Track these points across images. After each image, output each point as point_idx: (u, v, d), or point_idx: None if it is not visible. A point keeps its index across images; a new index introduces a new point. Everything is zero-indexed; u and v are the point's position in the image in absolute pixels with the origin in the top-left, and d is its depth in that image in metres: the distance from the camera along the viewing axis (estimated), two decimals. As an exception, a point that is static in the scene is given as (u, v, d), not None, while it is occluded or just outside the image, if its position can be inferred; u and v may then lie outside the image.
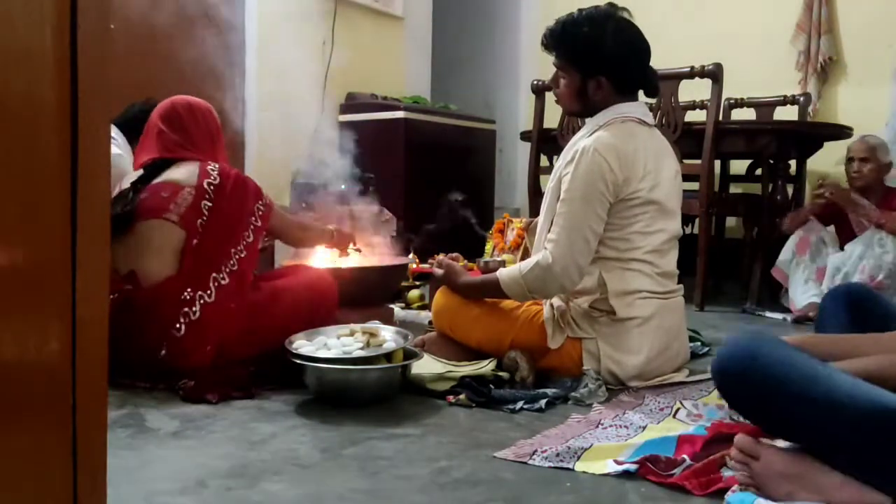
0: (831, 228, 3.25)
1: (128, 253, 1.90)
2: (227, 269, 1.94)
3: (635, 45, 1.97)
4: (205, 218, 1.95)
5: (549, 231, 1.92)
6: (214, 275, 1.91)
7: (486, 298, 2.03)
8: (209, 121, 2.13)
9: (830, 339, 1.37)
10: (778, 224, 3.37)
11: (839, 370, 1.17)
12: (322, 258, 2.57)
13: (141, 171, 2.04)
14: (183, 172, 1.99)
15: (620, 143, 1.89)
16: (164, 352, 1.83)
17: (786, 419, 1.17)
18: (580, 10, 1.98)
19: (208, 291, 1.89)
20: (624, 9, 1.99)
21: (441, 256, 2.22)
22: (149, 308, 1.85)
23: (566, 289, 1.90)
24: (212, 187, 1.97)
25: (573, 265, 1.86)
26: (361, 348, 1.79)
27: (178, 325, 1.84)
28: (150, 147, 2.07)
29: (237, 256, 1.96)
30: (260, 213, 2.06)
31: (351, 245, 2.52)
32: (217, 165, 2.02)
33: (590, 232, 1.87)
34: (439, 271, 2.13)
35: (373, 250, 2.77)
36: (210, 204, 1.96)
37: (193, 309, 1.86)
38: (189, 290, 1.88)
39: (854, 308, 1.43)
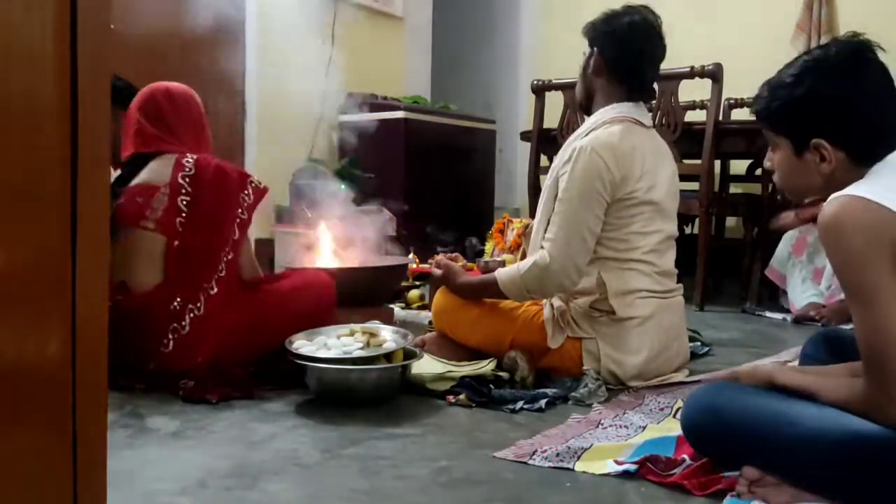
0: None
1: (115, 262, 1.83)
2: (216, 277, 1.88)
3: (636, 44, 1.97)
4: (184, 215, 1.87)
5: (545, 230, 1.92)
6: (204, 284, 1.86)
7: (485, 299, 2.03)
8: (191, 107, 2.02)
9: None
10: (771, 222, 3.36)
11: (804, 403, 1.17)
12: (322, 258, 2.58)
13: (118, 172, 1.98)
14: (158, 170, 1.91)
15: (617, 141, 1.89)
16: (152, 366, 1.81)
17: (763, 464, 1.19)
18: (623, 7, 2.01)
19: (198, 304, 1.84)
20: (654, 13, 1.99)
21: (440, 257, 2.22)
22: (138, 319, 1.79)
23: (565, 288, 1.90)
24: (187, 180, 1.88)
25: (571, 264, 1.86)
26: (361, 348, 1.79)
27: (165, 341, 1.80)
28: (129, 142, 1.97)
29: (224, 260, 1.90)
30: (246, 203, 1.96)
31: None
32: (194, 157, 1.92)
33: (587, 231, 1.87)
34: (438, 272, 2.13)
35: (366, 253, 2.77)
36: (188, 199, 1.88)
37: (182, 323, 1.82)
38: (178, 299, 1.83)
39: (834, 349, 1.44)
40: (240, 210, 1.94)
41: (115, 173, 2.01)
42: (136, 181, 1.93)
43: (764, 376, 1.28)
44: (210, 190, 1.91)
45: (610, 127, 1.93)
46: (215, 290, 1.87)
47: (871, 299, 1.07)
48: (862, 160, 1.17)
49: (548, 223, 1.92)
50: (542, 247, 1.89)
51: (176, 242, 1.87)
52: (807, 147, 1.20)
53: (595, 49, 2.01)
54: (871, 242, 1.06)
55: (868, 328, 1.08)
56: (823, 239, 1.13)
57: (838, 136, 1.18)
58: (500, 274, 1.95)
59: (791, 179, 1.26)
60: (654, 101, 3.10)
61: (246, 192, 1.96)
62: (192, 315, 1.83)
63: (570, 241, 1.86)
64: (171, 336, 1.81)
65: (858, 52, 1.17)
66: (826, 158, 1.19)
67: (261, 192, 2.00)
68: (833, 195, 1.13)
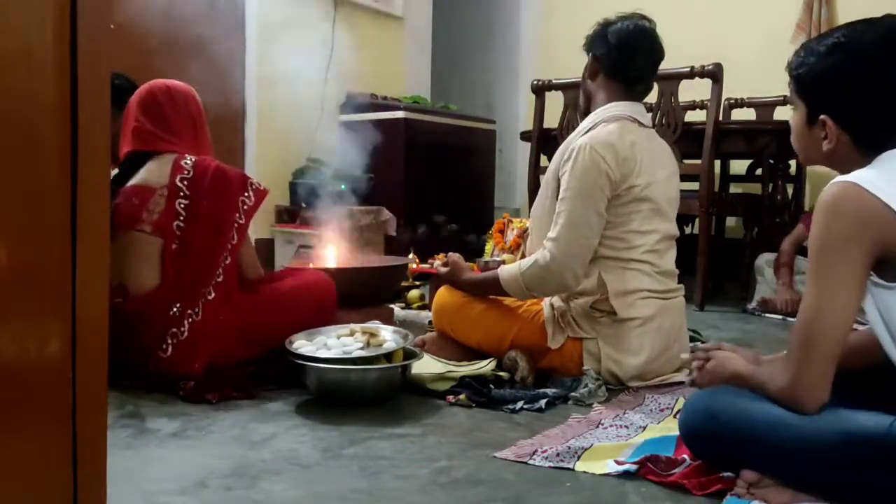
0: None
1: (113, 264, 1.80)
2: (214, 282, 1.86)
3: (630, 41, 1.98)
4: (182, 218, 1.86)
5: (547, 229, 1.92)
6: (202, 290, 1.84)
7: (489, 295, 2.03)
8: (190, 105, 2.00)
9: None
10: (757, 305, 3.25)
11: None
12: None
13: (115, 171, 1.96)
14: (156, 171, 1.89)
15: (616, 139, 1.89)
16: (151, 369, 1.80)
17: (762, 467, 1.19)
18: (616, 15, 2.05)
19: (196, 310, 1.83)
20: (648, 18, 2.01)
21: (451, 255, 2.22)
22: (137, 323, 1.78)
23: (566, 286, 1.90)
24: (185, 183, 1.87)
25: (573, 263, 1.86)
26: (361, 348, 1.79)
27: (164, 346, 1.80)
28: (127, 139, 1.95)
29: (223, 264, 1.88)
30: (245, 207, 1.93)
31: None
32: (193, 159, 1.91)
33: (589, 230, 1.87)
34: (444, 269, 2.13)
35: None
36: (186, 202, 1.87)
37: (182, 329, 1.81)
38: (178, 304, 1.82)
39: None
40: (237, 214, 1.91)
41: (112, 172, 1.99)
42: (132, 181, 1.91)
43: (731, 372, 1.31)
44: (209, 193, 1.89)
45: (608, 125, 1.93)
46: (213, 294, 1.86)
47: (826, 284, 1.10)
48: (867, 147, 1.17)
49: (548, 223, 1.92)
50: (543, 245, 1.89)
51: (174, 245, 1.86)
52: (816, 119, 1.22)
53: (590, 54, 2.04)
54: (852, 234, 1.08)
55: (811, 307, 1.11)
56: (815, 214, 1.14)
57: (847, 118, 1.19)
58: (502, 271, 1.95)
59: (798, 143, 1.29)
60: (653, 101, 3.10)
61: (246, 194, 1.94)
62: (190, 321, 1.82)
63: (572, 240, 1.86)
64: (169, 341, 1.81)
65: (893, 39, 1.16)
66: (828, 137, 1.20)
67: (261, 194, 1.98)
68: (838, 178, 1.14)
